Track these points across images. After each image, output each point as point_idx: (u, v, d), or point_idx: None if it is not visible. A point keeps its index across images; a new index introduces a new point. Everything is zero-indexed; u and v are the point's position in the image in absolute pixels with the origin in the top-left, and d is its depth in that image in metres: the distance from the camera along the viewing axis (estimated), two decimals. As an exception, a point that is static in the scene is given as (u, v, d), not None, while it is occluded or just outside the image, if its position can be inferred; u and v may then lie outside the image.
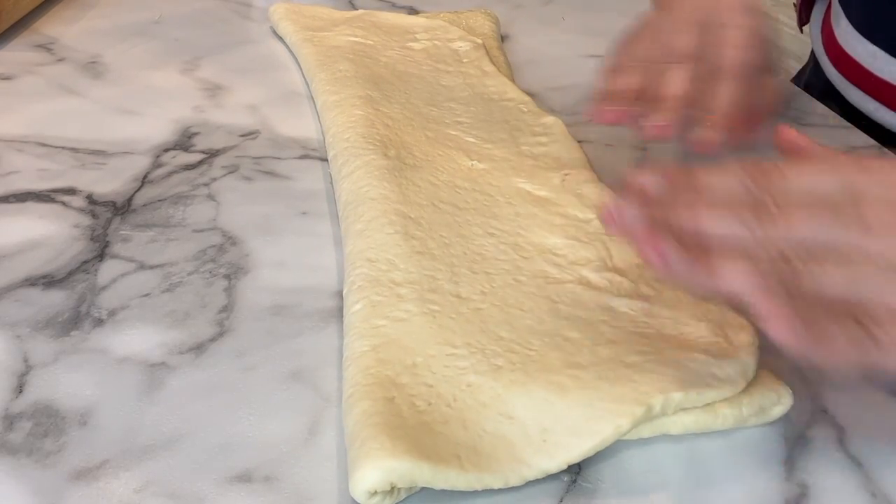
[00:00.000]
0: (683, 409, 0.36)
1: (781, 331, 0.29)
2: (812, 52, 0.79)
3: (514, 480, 0.34)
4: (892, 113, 0.68)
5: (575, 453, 0.35)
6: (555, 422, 0.35)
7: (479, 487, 0.34)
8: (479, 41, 0.72)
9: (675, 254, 0.31)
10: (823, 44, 0.75)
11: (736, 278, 0.30)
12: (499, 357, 0.38)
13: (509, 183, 0.51)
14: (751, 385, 0.38)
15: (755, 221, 0.31)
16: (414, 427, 0.34)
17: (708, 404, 0.37)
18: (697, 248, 0.31)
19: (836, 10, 0.73)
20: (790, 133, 0.36)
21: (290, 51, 0.74)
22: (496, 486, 0.34)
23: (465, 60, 0.69)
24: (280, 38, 0.78)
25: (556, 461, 0.34)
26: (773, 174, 0.32)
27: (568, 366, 0.37)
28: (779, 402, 0.38)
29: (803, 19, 0.80)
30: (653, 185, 0.34)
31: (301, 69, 0.70)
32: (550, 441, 0.35)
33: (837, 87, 0.73)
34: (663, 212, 0.32)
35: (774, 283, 0.30)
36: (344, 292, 0.43)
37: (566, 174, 0.52)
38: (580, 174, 0.52)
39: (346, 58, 0.67)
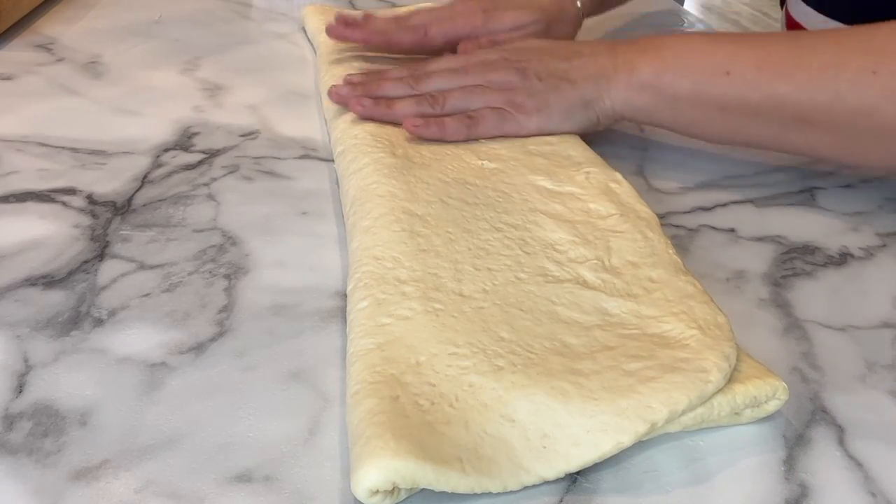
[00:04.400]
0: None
1: (409, 126, 0.55)
2: None
3: (513, 486, 0.34)
4: None
5: (574, 464, 0.34)
6: (555, 428, 0.35)
7: (478, 491, 0.34)
8: None
9: (368, 102, 0.57)
10: (786, 24, 0.78)
11: (401, 108, 0.57)
12: (500, 358, 0.38)
13: (527, 181, 0.51)
14: (745, 377, 0.38)
15: (413, 84, 0.59)
16: (417, 427, 0.34)
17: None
18: (385, 101, 0.58)
19: None
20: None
21: (312, 46, 0.74)
22: (495, 490, 0.34)
23: None
24: (281, 39, 0.78)
25: (555, 469, 0.34)
26: (425, 63, 0.61)
27: (569, 371, 0.37)
28: (774, 395, 0.38)
29: None
30: (358, 78, 0.61)
31: (317, 64, 0.70)
32: (550, 448, 0.35)
33: None
34: (364, 89, 0.59)
35: (424, 108, 0.57)
36: (348, 289, 0.43)
37: (588, 171, 0.52)
38: (603, 171, 0.52)
39: (363, 55, 0.68)
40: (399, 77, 0.60)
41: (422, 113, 0.56)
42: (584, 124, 0.57)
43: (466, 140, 0.56)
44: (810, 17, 0.74)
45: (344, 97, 0.58)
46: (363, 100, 0.57)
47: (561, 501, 0.35)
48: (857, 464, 0.37)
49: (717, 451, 0.37)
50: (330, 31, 0.68)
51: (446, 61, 0.60)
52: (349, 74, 0.61)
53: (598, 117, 0.57)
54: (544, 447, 0.35)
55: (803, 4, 0.75)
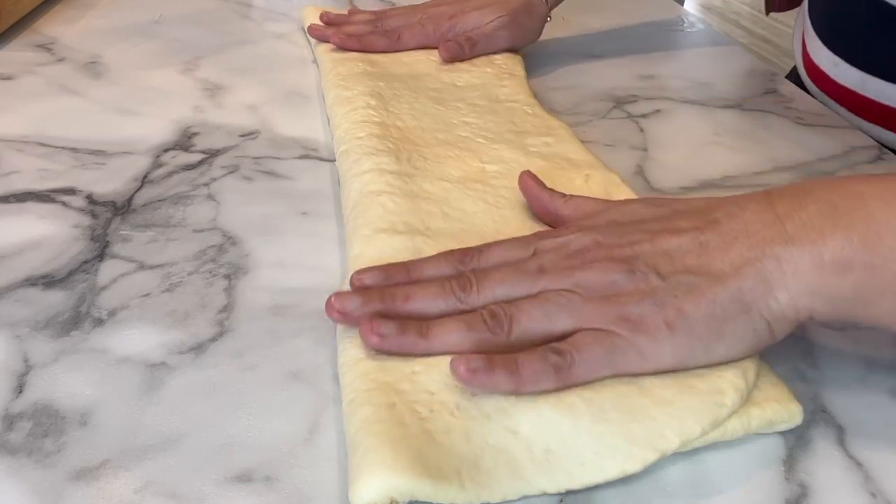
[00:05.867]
0: None
1: (463, 374, 0.35)
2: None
3: (513, 496, 0.34)
4: (857, 119, 0.70)
5: (577, 482, 0.34)
6: (561, 445, 0.34)
7: (477, 502, 0.33)
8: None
9: (388, 329, 0.37)
10: (803, 54, 0.77)
11: (444, 338, 0.37)
12: None
13: None
14: (764, 399, 0.37)
15: (460, 292, 0.38)
16: (416, 437, 0.34)
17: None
18: (416, 323, 0.37)
19: (806, 21, 0.76)
20: (526, 178, 0.46)
21: (310, 45, 0.74)
22: (494, 500, 0.33)
23: (498, 62, 0.70)
24: (281, 39, 0.78)
25: (557, 485, 0.34)
26: (472, 253, 0.40)
27: (579, 385, 0.36)
28: (789, 419, 0.37)
29: (771, 6, 0.82)
30: (373, 279, 0.40)
31: (317, 64, 0.70)
32: (554, 463, 0.34)
33: (812, 94, 0.74)
34: (383, 298, 0.38)
35: (481, 333, 0.36)
36: None
37: (587, 174, 0.52)
38: (600, 173, 0.52)
39: (365, 56, 0.68)
40: (439, 283, 0.38)
41: (479, 344, 0.36)
42: (749, 342, 0.37)
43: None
44: (823, 58, 0.73)
45: (349, 315, 0.38)
46: (380, 325, 0.37)
47: (561, 502, 0.35)
48: (857, 464, 0.37)
49: (717, 451, 0.37)
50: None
51: (506, 247, 0.40)
52: (357, 273, 0.40)
53: (770, 324, 0.36)
54: (548, 461, 0.34)
55: (819, 41, 0.74)
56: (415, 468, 0.32)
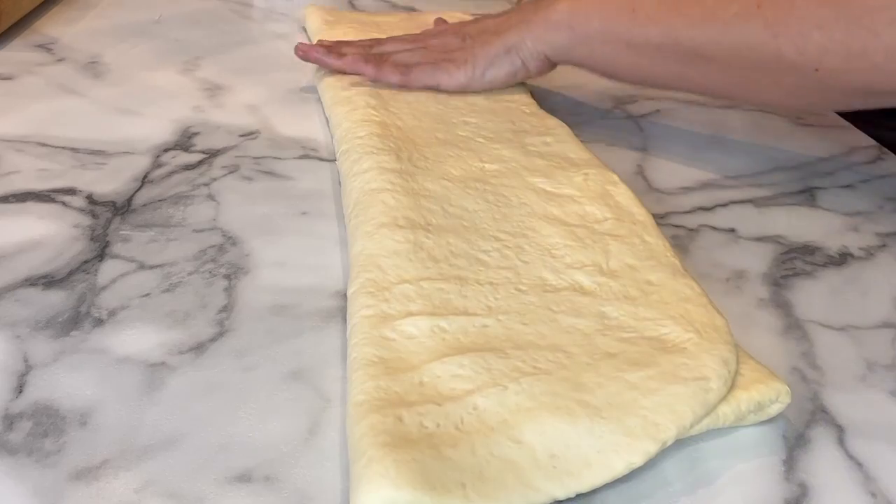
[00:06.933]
0: None
1: (349, 62, 0.65)
2: None
3: (519, 503, 0.33)
4: None
5: (586, 484, 0.34)
6: (565, 449, 0.34)
7: None
8: None
9: (322, 50, 0.66)
10: None
11: (347, 59, 0.64)
12: (504, 378, 0.37)
13: (525, 183, 0.51)
14: (747, 381, 0.38)
15: (368, 48, 0.66)
16: (421, 450, 0.34)
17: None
18: (336, 52, 0.66)
19: None
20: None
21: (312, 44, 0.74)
22: None
23: None
24: (281, 39, 0.78)
25: (567, 489, 0.34)
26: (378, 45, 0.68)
27: (573, 388, 0.37)
28: (777, 399, 0.38)
29: None
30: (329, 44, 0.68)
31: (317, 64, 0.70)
32: (561, 468, 0.34)
33: None
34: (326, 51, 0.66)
35: (372, 59, 0.64)
36: (350, 291, 0.43)
37: (586, 173, 0.52)
38: (601, 173, 0.52)
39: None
40: (358, 43, 0.68)
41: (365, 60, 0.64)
42: (508, 70, 0.63)
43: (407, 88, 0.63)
44: None
45: (305, 50, 0.66)
46: (318, 48, 0.66)
47: (561, 501, 0.35)
48: (857, 464, 0.37)
49: (717, 451, 0.37)
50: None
51: (404, 36, 0.69)
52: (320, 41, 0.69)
53: (523, 61, 0.62)
54: (554, 466, 0.34)
55: None
56: (416, 483, 0.32)
